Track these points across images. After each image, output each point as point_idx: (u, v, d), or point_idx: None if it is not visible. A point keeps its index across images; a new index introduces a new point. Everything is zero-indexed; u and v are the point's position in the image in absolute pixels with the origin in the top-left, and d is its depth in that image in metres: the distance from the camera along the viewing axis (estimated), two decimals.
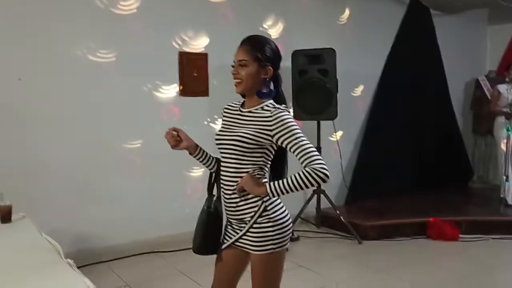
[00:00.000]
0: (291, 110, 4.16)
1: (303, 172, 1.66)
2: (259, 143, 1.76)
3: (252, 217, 1.79)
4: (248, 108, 1.84)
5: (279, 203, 1.84)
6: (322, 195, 4.69)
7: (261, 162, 1.81)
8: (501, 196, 5.01)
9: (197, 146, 1.93)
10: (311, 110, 4.40)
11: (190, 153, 1.94)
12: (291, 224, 1.86)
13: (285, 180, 1.69)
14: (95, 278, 1.65)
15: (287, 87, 4.28)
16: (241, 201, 1.80)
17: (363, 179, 5.36)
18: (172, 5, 4.13)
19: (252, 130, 1.76)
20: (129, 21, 3.91)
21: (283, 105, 1.81)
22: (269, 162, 1.85)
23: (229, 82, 1.92)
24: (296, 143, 1.69)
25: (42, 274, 1.65)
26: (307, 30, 4.92)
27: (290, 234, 1.86)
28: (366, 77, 5.48)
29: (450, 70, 6.14)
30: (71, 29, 3.66)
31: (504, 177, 5.00)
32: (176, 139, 1.88)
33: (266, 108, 1.78)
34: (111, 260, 3.78)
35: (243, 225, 1.83)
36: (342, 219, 4.50)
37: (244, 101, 1.88)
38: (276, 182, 1.71)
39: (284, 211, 1.84)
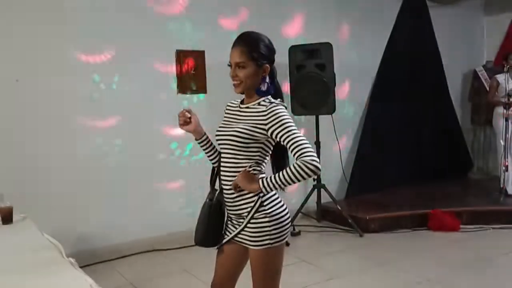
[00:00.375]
0: (289, 105, 4.15)
1: (294, 166, 1.66)
2: (254, 137, 1.77)
3: (249, 212, 1.80)
4: (246, 104, 1.86)
5: (276, 198, 1.84)
6: (322, 189, 4.70)
7: (257, 157, 1.81)
8: (501, 186, 5.01)
9: (204, 133, 1.96)
10: (309, 105, 4.39)
11: (196, 139, 1.96)
12: (289, 219, 1.86)
13: (277, 175, 1.70)
14: (97, 277, 1.65)
15: (284, 83, 4.33)
16: (238, 196, 1.81)
17: (363, 173, 5.37)
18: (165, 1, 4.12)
19: (248, 125, 1.77)
20: (127, 20, 3.91)
21: (279, 99, 1.82)
22: (267, 158, 1.86)
23: (226, 80, 1.93)
24: (288, 136, 1.69)
25: (44, 273, 1.65)
26: (305, 24, 4.92)
27: (289, 229, 1.87)
28: (363, 70, 5.47)
29: (448, 61, 6.13)
30: (69, 29, 3.66)
31: (504, 167, 5.00)
32: (186, 120, 1.90)
33: (262, 103, 1.80)
34: (113, 260, 3.79)
35: (241, 220, 1.84)
36: (343, 213, 4.52)
37: (244, 98, 1.90)
38: (269, 178, 1.72)
39: (282, 206, 1.84)
